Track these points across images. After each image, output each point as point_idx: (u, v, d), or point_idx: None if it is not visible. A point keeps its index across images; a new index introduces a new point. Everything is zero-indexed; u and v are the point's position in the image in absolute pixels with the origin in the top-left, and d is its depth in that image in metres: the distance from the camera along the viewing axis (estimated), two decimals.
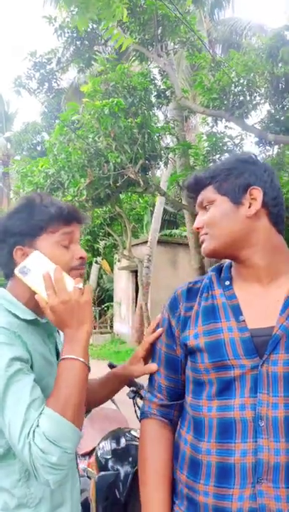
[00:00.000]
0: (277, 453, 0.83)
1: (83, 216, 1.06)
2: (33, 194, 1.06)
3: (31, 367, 0.92)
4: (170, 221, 14.89)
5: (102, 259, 13.18)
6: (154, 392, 1.05)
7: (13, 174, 13.40)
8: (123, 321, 13.45)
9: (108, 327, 14.96)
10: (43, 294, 0.91)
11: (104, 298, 16.07)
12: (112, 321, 14.88)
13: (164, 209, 11.73)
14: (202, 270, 8.33)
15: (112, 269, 15.00)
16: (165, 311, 1.04)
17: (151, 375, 1.07)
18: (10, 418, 0.82)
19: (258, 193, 0.94)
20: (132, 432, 2.11)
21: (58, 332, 1.10)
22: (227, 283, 0.98)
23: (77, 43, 7.17)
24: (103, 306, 15.60)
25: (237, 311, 0.92)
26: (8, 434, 0.83)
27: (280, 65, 6.82)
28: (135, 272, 12.07)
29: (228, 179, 0.95)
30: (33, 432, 0.80)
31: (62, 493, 0.97)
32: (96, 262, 13.67)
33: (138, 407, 1.86)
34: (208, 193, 0.98)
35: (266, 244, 0.94)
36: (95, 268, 15.27)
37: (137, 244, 11.69)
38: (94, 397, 1.17)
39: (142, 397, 1.87)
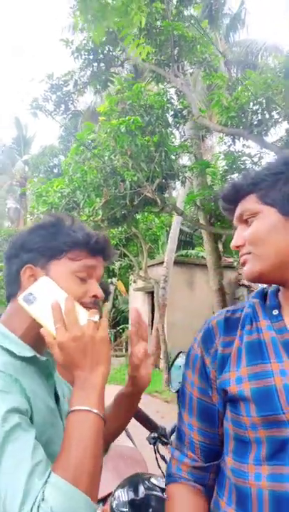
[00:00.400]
0: None
1: (112, 252, 0.90)
2: (63, 215, 0.92)
3: (31, 418, 0.72)
4: (186, 241, 14.72)
5: (118, 280, 13.03)
6: (184, 449, 0.83)
7: (30, 195, 13.56)
8: None
9: (123, 350, 14.64)
10: (51, 328, 0.74)
11: (119, 320, 15.82)
12: (127, 343, 14.58)
13: (180, 229, 11.59)
14: (221, 292, 8.06)
15: (127, 290, 14.80)
16: (197, 346, 0.83)
17: (180, 427, 0.84)
18: (7, 488, 0.63)
19: None
20: (152, 480, 1.86)
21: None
22: (275, 312, 0.78)
23: (94, 65, 7.24)
24: (118, 328, 15.34)
25: None
26: (2, 508, 0.64)
27: None
28: (151, 293, 11.83)
29: (275, 186, 0.78)
30: (38, 507, 0.62)
31: None
32: (112, 283, 13.51)
33: (160, 455, 1.61)
34: (250, 203, 0.80)
35: None
36: (110, 289, 15.12)
37: (153, 265, 11.51)
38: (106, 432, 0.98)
39: (164, 443, 1.62)
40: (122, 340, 15.07)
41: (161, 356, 9.69)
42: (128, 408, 1.03)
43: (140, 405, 1.17)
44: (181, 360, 1.48)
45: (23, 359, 0.79)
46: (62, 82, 7.04)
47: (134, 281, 11.49)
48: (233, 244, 0.82)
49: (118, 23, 2.05)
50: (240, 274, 12.57)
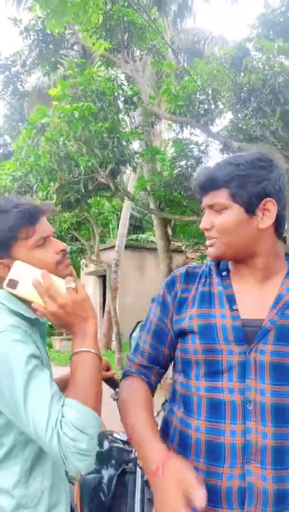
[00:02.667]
0: (265, 436, 0.88)
1: (45, 206, 1.05)
2: None
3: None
4: (136, 226, 14.96)
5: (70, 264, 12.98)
6: (136, 354, 1.10)
7: None
8: None
9: None
10: (40, 301, 0.92)
11: None
12: None
13: (130, 214, 11.77)
14: (170, 274, 8.40)
15: (78, 275, 14.83)
16: (161, 289, 1.09)
17: (138, 342, 1.11)
18: (34, 413, 0.84)
19: (272, 207, 0.94)
20: (114, 435, 2.11)
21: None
22: (224, 273, 1.03)
23: (43, 46, 7.11)
24: None
25: (231, 300, 0.98)
26: (32, 429, 0.84)
27: (242, 74, 7.08)
28: (103, 277, 12.00)
29: (244, 187, 0.93)
30: (60, 422, 0.82)
31: (58, 494, 0.98)
32: None
33: None
34: (222, 198, 0.95)
35: (269, 252, 0.98)
36: None
37: (105, 249, 11.65)
38: None
39: None
40: None
41: (113, 338, 9.97)
42: None
43: None
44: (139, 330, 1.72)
45: (29, 320, 0.98)
46: (10, 62, 6.85)
47: (86, 265, 11.58)
48: (202, 226, 0.99)
49: (76, 19, 2.15)
50: (187, 257, 13.11)
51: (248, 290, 0.99)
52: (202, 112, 6.80)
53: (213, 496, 0.88)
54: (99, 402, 0.90)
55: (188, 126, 7.32)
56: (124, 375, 1.11)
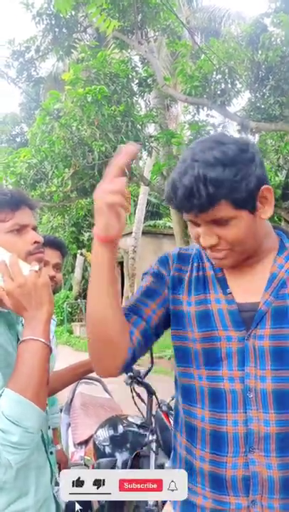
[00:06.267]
0: (267, 424, 0.86)
1: (32, 200, 1.03)
2: None
3: None
4: (153, 212, 14.89)
5: (87, 251, 13.10)
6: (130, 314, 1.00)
7: None
8: None
9: None
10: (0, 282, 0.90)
11: None
12: None
13: (148, 200, 11.70)
14: None
15: None
16: (154, 265, 1.03)
17: (129, 303, 1.02)
18: None
19: (268, 193, 0.87)
20: (129, 419, 2.12)
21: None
22: None
23: (56, 30, 7.00)
24: None
25: (224, 284, 0.94)
26: None
27: (260, 52, 6.83)
28: (120, 264, 12.05)
29: (245, 189, 0.82)
30: None
31: (24, 484, 0.94)
32: (81, 254, 13.57)
33: (136, 393, 1.86)
34: (226, 211, 0.83)
35: (261, 235, 0.92)
36: (79, 260, 15.15)
37: (122, 236, 11.63)
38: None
39: (139, 383, 1.87)
40: None
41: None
42: (79, 376, 1.49)
43: None
44: None
45: None
46: (24, 48, 6.80)
47: None
48: (207, 244, 0.87)
49: None
50: None
51: (239, 273, 0.95)
52: (218, 92, 6.61)
53: (219, 484, 0.89)
54: (41, 394, 0.86)
55: (205, 108, 7.15)
56: None
